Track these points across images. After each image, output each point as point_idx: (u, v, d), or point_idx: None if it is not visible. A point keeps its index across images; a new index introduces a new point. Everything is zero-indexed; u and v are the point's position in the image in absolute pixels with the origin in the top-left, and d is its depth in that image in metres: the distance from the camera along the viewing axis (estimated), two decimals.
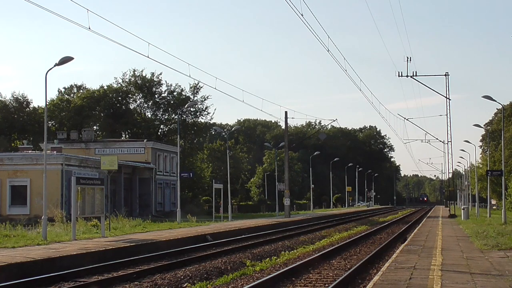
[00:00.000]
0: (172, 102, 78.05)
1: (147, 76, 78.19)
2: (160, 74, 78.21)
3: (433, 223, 42.23)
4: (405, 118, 69.68)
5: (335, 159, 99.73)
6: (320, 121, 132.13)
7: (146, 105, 79.45)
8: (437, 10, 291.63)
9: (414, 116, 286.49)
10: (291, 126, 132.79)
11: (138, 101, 79.51)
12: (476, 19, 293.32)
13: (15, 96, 76.87)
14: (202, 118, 79.01)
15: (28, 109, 77.67)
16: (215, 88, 37.27)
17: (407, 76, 55.02)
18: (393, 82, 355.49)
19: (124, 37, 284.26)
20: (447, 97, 58.59)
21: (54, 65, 24.24)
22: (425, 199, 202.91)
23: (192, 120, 78.18)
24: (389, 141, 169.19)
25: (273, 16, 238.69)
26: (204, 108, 78.18)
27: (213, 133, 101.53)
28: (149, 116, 79.79)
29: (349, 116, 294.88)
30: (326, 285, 14.39)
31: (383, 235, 33.77)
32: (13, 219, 36.01)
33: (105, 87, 79.11)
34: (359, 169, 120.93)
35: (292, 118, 76.35)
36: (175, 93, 78.70)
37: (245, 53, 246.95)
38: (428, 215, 62.49)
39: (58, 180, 44.58)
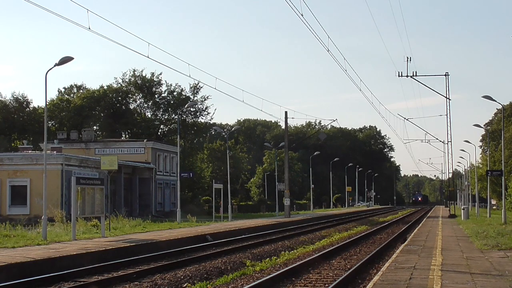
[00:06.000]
0: (172, 102, 78.11)
1: (147, 76, 78.33)
2: (160, 74, 78.43)
3: (433, 223, 42.21)
4: (405, 118, 69.70)
5: (335, 159, 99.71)
6: (320, 121, 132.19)
7: (146, 105, 79.56)
8: (437, 10, 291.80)
9: (414, 116, 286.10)
10: (291, 126, 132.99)
11: (138, 101, 79.66)
12: (476, 19, 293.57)
13: (15, 96, 76.99)
14: (202, 118, 79.20)
15: (28, 109, 77.69)
16: (215, 88, 37.35)
17: (407, 76, 55.05)
18: (393, 82, 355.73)
19: (124, 37, 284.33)
20: (447, 97, 58.63)
21: (54, 65, 24.24)
22: (420, 199, 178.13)
23: (192, 120, 78.23)
24: (389, 141, 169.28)
25: (273, 16, 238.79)
26: (204, 108, 78.36)
27: (213, 133, 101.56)
28: (149, 116, 79.87)
29: (349, 116, 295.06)
30: (326, 285, 14.39)
31: (383, 235, 33.76)
32: (13, 219, 36.01)
33: (105, 87, 79.19)
34: (359, 169, 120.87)
35: (292, 118, 76.47)
36: (175, 93, 78.77)
37: (245, 53, 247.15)
38: (428, 215, 62.48)
39: (58, 180, 44.56)
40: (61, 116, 77.46)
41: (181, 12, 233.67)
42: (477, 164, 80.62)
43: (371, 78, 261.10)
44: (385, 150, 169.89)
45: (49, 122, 75.89)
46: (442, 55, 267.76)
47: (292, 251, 22.96)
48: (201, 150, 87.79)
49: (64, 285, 15.09)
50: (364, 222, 49.44)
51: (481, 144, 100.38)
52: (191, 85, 78.05)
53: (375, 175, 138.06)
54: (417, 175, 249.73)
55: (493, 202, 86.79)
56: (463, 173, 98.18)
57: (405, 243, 23.78)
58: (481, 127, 61.47)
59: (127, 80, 78.58)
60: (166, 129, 79.77)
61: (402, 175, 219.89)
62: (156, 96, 78.73)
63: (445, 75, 58.54)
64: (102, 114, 78.07)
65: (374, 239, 30.58)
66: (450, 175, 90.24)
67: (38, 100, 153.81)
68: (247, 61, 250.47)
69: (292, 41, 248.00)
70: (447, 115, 60.86)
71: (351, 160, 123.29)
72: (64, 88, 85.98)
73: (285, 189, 54.56)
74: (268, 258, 20.29)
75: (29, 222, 35.01)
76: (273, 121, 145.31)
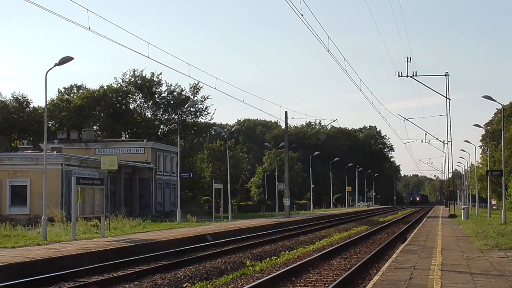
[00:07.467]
0: (172, 102, 78.12)
1: (147, 76, 78.34)
2: (160, 74, 78.44)
3: (433, 223, 42.21)
4: (405, 118, 69.62)
5: (335, 159, 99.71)
6: (320, 121, 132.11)
7: (146, 105, 79.56)
8: (437, 10, 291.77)
9: (414, 116, 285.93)
10: (291, 126, 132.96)
11: (138, 101, 79.67)
12: (476, 19, 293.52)
13: (15, 96, 77.03)
14: (202, 118, 79.22)
15: (28, 109, 77.72)
16: (215, 88, 37.38)
17: (407, 76, 55.01)
18: (393, 82, 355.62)
19: (124, 37, 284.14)
20: (447, 97, 58.59)
21: (54, 65, 24.24)
22: (418, 199, 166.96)
23: (192, 120, 78.24)
24: (389, 141, 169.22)
25: (273, 16, 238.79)
26: (204, 108, 78.37)
27: (213, 133, 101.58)
28: (149, 116, 79.87)
29: (349, 116, 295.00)
30: (326, 285, 14.39)
31: (383, 235, 33.76)
32: (13, 219, 36.03)
33: (105, 87, 79.22)
34: (359, 169, 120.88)
35: (292, 118, 76.43)
36: (175, 93, 78.77)
37: (245, 53, 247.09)
38: (428, 215, 62.49)
39: (58, 180, 44.56)
40: (61, 116, 77.47)
41: (181, 12, 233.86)
42: (477, 164, 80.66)
43: (371, 78, 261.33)
44: (385, 150, 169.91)
45: (49, 122, 75.89)
46: (442, 55, 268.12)
47: (292, 251, 22.96)
48: (201, 150, 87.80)
49: (64, 285, 15.09)
50: (364, 222, 49.44)
51: (481, 144, 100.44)
52: (191, 85, 78.16)
53: (375, 175, 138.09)
54: (417, 175, 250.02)
55: (493, 202, 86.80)
56: (463, 173, 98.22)
57: (405, 243, 23.78)
58: (481, 127, 61.49)
59: (127, 80, 78.63)
60: (166, 129, 79.77)
61: (402, 175, 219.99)
62: (156, 96, 78.73)
63: (445, 75, 58.53)
64: (102, 114, 78.08)
65: (374, 239, 30.58)
66: (450, 175, 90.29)
67: (38, 100, 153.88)
68: (247, 61, 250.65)
69: (292, 41, 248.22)
70: (447, 115, 60.88)
71: (351, 160, 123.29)
72: (64, 88, 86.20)
73: (285, 189, 54.55)
74: (268, 258, 20.29)
75: (29, 222, 35.03)
76: (273, 121, 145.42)
